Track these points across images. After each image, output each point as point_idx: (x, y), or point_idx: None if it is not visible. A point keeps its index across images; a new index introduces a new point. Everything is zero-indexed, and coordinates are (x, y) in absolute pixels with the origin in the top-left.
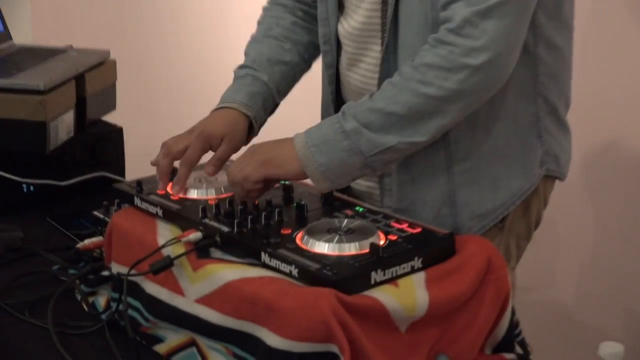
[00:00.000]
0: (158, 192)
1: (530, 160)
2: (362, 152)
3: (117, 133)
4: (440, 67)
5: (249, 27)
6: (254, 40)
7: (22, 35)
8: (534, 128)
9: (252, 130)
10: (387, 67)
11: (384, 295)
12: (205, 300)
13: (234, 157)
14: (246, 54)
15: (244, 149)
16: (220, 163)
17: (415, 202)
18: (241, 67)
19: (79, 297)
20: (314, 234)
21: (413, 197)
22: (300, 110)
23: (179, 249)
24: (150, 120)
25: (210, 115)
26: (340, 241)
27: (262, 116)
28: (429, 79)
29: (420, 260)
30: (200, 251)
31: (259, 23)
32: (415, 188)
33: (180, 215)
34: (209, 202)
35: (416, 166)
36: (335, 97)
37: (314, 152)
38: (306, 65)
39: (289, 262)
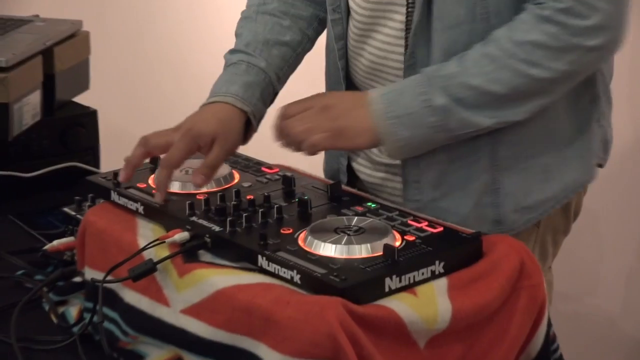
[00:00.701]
0: (138, 185)
1: (589, 149)
2: (450, 129)
3: (90, 117)
4: (549, 47)
5: None
6: (245, 17)
7: None
8: (594, 110)
9: (249, 127)
10: (416, 40)
11: (400, 305)
12: (193, 311)
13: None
14: (238, 35)
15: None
16: (211, 172)
17: (453, 189)
18: (233, 51)
19: (46, 307)
20: (319, 234)
21: (451, 182)
22: (300, 89)
23: (162, 252)
24: (129, 102)
25: (199, 111)
26: (349, 242)
27: (261, 110)
28: (535, 59)
29: (442, 264)
30: (188, 254)
31: None
32: (453, 173)
33: (164, 212)
34: (197, 197)
35: (456, 148)
36: (346, 73)
37: (395, 124)
38: (310, 44)
39: (290, 266)
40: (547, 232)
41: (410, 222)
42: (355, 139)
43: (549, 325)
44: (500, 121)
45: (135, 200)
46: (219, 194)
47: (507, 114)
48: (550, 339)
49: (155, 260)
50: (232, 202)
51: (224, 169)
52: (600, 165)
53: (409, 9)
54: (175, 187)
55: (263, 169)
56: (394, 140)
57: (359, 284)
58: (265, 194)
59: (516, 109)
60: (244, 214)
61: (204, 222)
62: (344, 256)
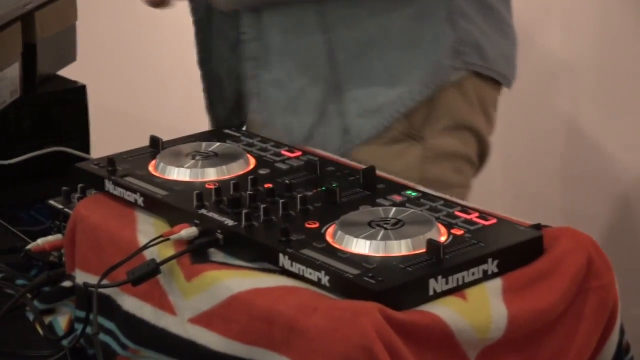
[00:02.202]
0: (137, 172)
1: (438, 49)
2: None
3: (78, 93)
4: None
5: None
6: None
7: None
8: (442, 9)
9: None
10: None
11: (447, 311)
12: (203, 320)
13: None
14: None
15: None
16: None
17: (296, 101)
18: None
19: (31, 316)
20: (350, 228)
21: (290, 95)
22: None
23: (166, 251)
24: (123, 76)
25: None
26: (386, 237)
27: None
28: None
29: (496, 262)
30: (196, 253)
31: None
32: (292, 85)
33: (169, 204)
34: (207, 186)
35: (291, 60)
36: None
37: None
38: None
39: (316, 266)
40: (441, 158)
41: (457, 213)
42: None
43: (622, 332)
44: None
45: (134, 191)
46: (232, 182)
47: None
48: (623, 348)
49: (158, 260)
50: (248, 192)
51: (236, 152)
52: (502, 84)
53: None
54: (180, 175)
55: (283, 152)
56: None
57: (398, 287)
58: (287, 181)
59: None
60: (262, 206)
61: (215, 216)
62: (380, 254)
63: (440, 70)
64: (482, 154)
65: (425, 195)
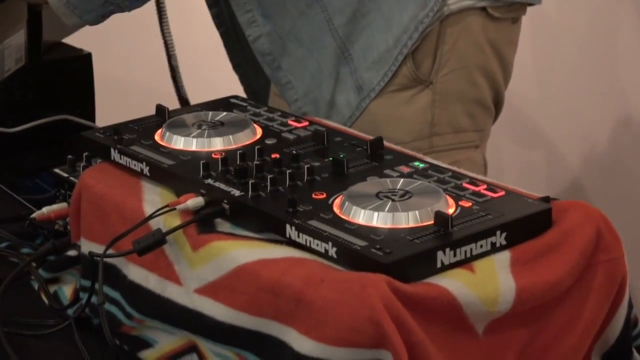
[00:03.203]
0: (143, 141)
1: None
2: None
3: (84, 61)
4: None
5: None
6: None
7: None
8: None
9: None
10: None
11: (455, 283)
12: (209, 290)
13: None
14: None
15: None
16: None
17: (316, 77)
18: None
19: (35, 285)
20: (357, 199)
21: (310, 74)
22: None
23: (172, 221)
24: (129, 44)
25: None
26: (393, 209)
27: None
28: None
29: (504, 235)
30: (202, 223)
31: None
32: (309, 64)
33: (175, 173)
34: (213, 155)
35: (301, 42)
36: None
37: None
38: None
39: (324, 237)
40: (451, 101)
41: (465, 184)
42: None
43: (630, 306)
44: None
45: (140, 160)
46: (238, 152)
47: None
48: (631, 322)
49: (164, 230)
50: (255, 162)
51: (243, 122)
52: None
53: None
54: (186, 144)
55: (290, 122)
56: None
57: (406, 259)
58: (294, 151)
59: None
60: (269, 176)
61: (222, 186)
62: (388, 225)
63: (427, 3)
64: (497, 100)
65: (433, 166)
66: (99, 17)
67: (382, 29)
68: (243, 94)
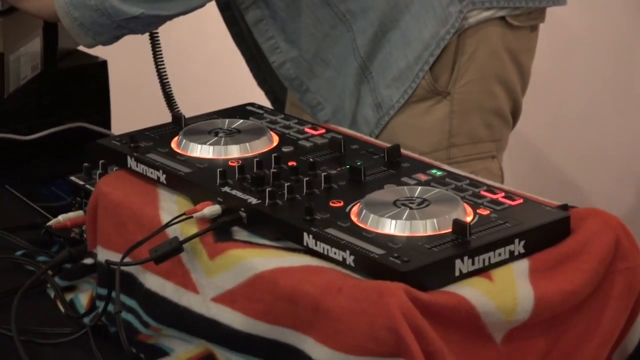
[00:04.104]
0: (160, 149)
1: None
2: (109, 14)
3: (99, 68)
4: None
5: None
6: None
7: None
8: None
9: None
10: None
11: (473, 292)
12: (226, 299)
13: None
14: None
15: None
16: None
17: (341, 97)
18: None
19: (52, 293)
20: (375, 207)
21: (336, 96)
22: None
23: (189, 229)
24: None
25: None
26: (411, 217)
27: None
28: None
29: (523, 243)
30: (219, 231)
31: None
32: (335, 86)
33: (191, 181)
34: (230, 163)
35: (328, 64)
36: None
37: (68, 3)
38: None
39: (341, 246)
40: (469, 111)
41: (483, 192)
42: (39, 12)
43: None
44: (149, 14)
45: (157, 168)
46: (255, 159)
47: (155, 6)
48: None
49: (181, 238)
50: (272, 170)
51: (260, 129)
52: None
53: None
54: (203, 152)
55: (306, 129)
56: (68, 18)
57: (424, 267)
58: (311, 159)
59: (166, 4)
60: (286, 184)
61: (239, 194)
62: (406, 234)
63: (448, 19)
64: (515, 109)
65: (450, 174)
66: (112, 39)
67: (400, 44)
68: (259, 102)
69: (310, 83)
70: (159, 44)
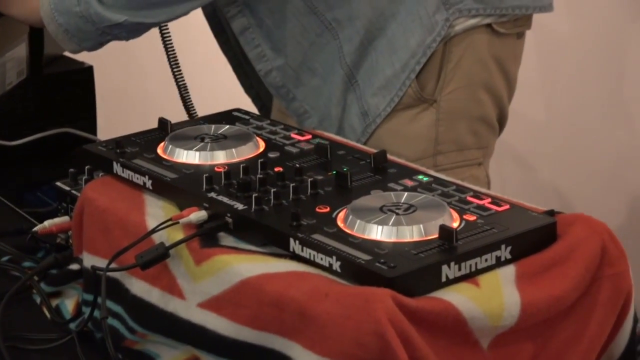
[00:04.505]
0: (145, 155)
1: (424, 6)
2: (94, 21)
3: (85, 74)
4: None
5: None
6: None
7: None
8: None
9: None
10: None
11: (460, 298)
12: (212, 305)
13: None
14: None
15: None
16: None
17: (327, 106)
18: None
19: (37, 299)
20: (361, 213)
21: (322, 103)
22: None
23: (175, 234)
24: (131, 57)
25: None
26: (398, 223)
27: None
28: None
29: (509, 249)
30: (206, 237)
31: None
32: (322, 95)
33: (178, 187)
34: (216, 169)
35: (314, 73)
36: None
37: (53, 10)
38: None
39: (328, 251)
40: (456, 119)
41: (469, 198)
42: (25, 17)
43: (635, 320)
44: (133, 21)
45: (143, 173)
46: (241, 165)
47: (139, 14)
48: (636, 336)
49: (167, 244)
50: (258, 176)
51: (246, 135)
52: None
53: None
54: (189, 158)
55: (293, 135)
56: (54, 24)
57: (410, 273)
58: (297, 165)
59: (150, 11)
60: (272, 190)
61: (225, 199)
62: (392, 239)
63: (435, 27)
64: (501, 116)
65: (437, 180)
66: (97, 45)
67: (387, 52)
68: (246, 108)
69: (297, 91)
70: (172, 46)
